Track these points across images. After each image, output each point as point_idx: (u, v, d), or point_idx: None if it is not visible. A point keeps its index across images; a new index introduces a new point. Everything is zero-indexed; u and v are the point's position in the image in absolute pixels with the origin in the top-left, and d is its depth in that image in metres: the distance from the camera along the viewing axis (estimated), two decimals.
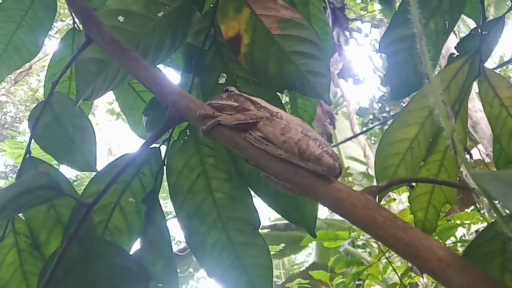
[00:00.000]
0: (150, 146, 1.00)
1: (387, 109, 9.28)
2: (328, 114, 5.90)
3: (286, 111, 0.90)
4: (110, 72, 1.05)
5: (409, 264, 3.44)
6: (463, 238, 3.77)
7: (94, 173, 1.17)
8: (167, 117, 0.89)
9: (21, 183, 0.85)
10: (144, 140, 0.94)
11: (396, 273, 3.45)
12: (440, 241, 3.11)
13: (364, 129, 8.55)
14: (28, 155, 1.26)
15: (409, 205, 1.34)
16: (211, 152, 1.11)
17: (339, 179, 0.77)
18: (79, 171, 2.12)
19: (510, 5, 1.44)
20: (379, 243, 2.77)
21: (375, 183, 1.10)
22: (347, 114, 8.21)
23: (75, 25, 1.54)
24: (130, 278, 0.96)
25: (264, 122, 0.81)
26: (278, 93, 1.12)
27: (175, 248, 6.15)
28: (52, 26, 1.66)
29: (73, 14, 1.34)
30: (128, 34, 1.05)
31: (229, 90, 0.87)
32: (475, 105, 4.64)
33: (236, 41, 1.09)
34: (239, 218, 1.08)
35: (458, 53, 1.32)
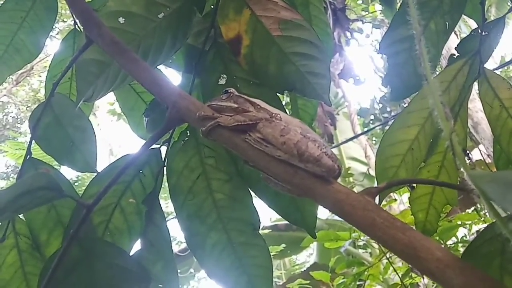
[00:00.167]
0: (151, 147, 1.01)
1: (388, 109, 9.28)
2: (329, 115, 5.91)
3: (286, 112, 0.90)
4: (111, 73, 1.05)
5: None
6: (464, 238, 3.76)
7: (95, 174, 1.17)
8: (167, 118, 0.90)
9: (21, 184, 0.85)
10: (145, 141, 0.95)
11: (397, 273, 3.45)
12: (441, 241, 3.11)
13: (365, 129, 8.54)
14: (28, 156, 1.26)
15: (410, 206, 1.34)
16: (211, 153, 1.11)
17: (338, 180, 0.78)
18: (79, 172, 2.13)
19: (511, 6, 1.44)
20: None
21: (376, 184, 1.10)
22: (348, 115, 8.21)
23: (76, 26, 1.54)
24: (130, 278, 0.96)
25: (263, 123, 0.81)
26: (278, 94, 1.13)
27: (176, 248, 6.15)
28: (53, 27, 1.66)
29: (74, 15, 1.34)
30: (128, 35, 1.05)
31: (229, 91, 0.87)
32: (476, 105, 4.63)
33: (236, 42, 1.10)
34: (239, 218, 1.08)
35: (458, 54, 1.32)
